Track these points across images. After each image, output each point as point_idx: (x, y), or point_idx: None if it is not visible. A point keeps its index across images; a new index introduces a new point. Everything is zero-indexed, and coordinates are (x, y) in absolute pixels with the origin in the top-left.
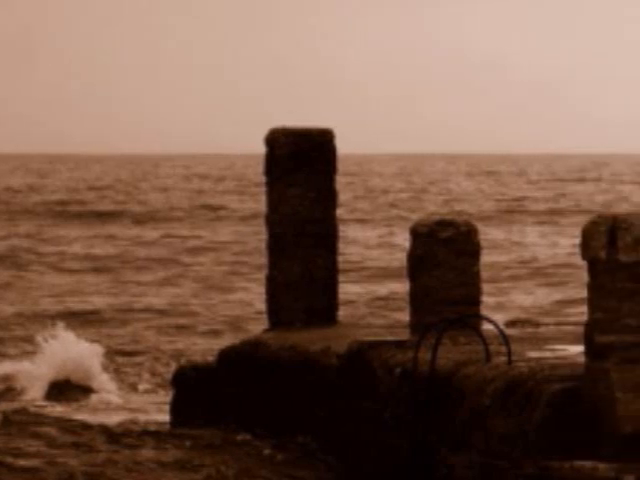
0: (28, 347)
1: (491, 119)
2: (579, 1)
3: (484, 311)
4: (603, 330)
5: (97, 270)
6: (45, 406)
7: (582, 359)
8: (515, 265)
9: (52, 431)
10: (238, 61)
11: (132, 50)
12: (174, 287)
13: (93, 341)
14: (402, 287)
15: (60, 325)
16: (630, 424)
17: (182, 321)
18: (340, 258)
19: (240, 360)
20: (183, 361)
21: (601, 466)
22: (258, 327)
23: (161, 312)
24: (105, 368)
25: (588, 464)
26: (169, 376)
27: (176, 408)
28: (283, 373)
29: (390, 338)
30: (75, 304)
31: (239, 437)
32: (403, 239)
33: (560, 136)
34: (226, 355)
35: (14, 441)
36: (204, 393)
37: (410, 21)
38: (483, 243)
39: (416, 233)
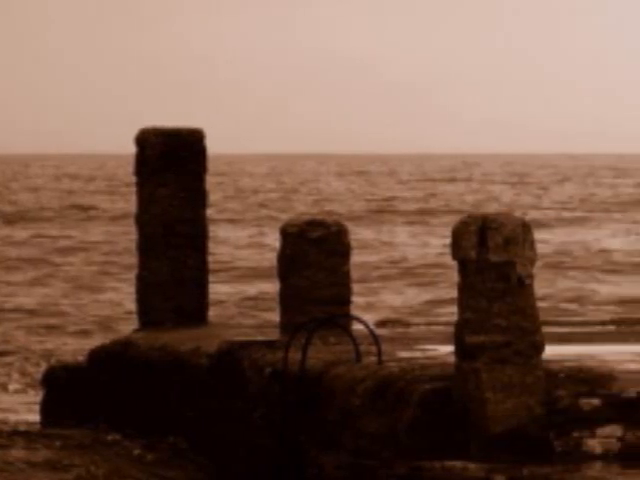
0: None
1: (362, 119)
2: (450, 2)
3: (354, 311)
4: (473, 330)
5: None
6: None
7: (452, 359)
8: (385, 265)
9: None
10: (109, 60)
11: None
12: (44, 287)
13: None
14: (272, 287)
15: None
16: (500, 424)
17: (52, 321)
18: (210, 258)
19: (110, 360)
20: (53, 361)
21: (471, 466)
22: (128, 327)
23: (31, 312)
24: None
25: (458, 464)
26: (39, 376)
27: (46, 408)
28: (153, 373)
29: (260, 338)
30: None
31: (109, 437)
32: (273, 239)
33: (431, 136)
34: (96, 355)
35: None
36: (74, 393)
37: (282, 21)
38: (353, 243)
39: (286, 233)
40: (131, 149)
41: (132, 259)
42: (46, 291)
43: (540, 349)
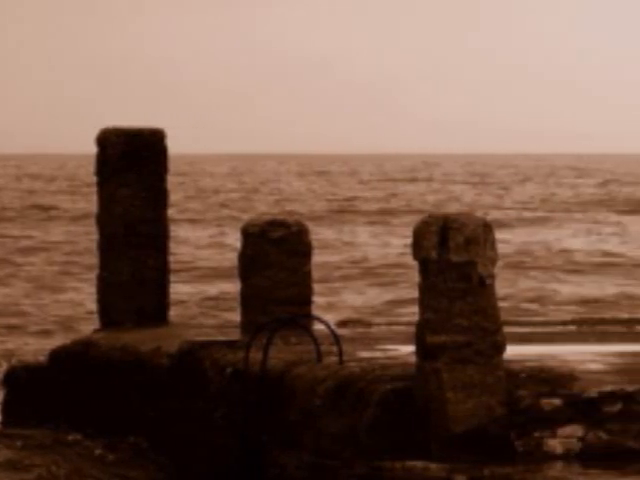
0: None
1: (323, 119)
2: (412, 3)
3: (315, 311)
4: (434, 330)
5: None
6: None
7: (413, 359)
8: (346, 265)
9: None
10: (71, 61)
11: None
12: (5, 287)
13: None
14: (233, 287)
15: None
16: (461, 424)
17: (13, 321)
18: (171, 258)
19: (71, 360)
20: (14, 361)
21: (432, 466)
22: (89, 327)
23: None
24: None
25: (419, 464)
26: (0, 376)
27: (7, 408)
28: (114, 373)
29: (221, 338)
30: None
31: (70, 437)
32: (234, 239)
33: (392, 137)
34: (57, 355)
35: None
36: (35, 393)
37: (244, 21)
38: (314, 243)
39: (247, 233)
40: (92, 149)
41: (93, 259)
42: (7, 291)
43: (501, 349)
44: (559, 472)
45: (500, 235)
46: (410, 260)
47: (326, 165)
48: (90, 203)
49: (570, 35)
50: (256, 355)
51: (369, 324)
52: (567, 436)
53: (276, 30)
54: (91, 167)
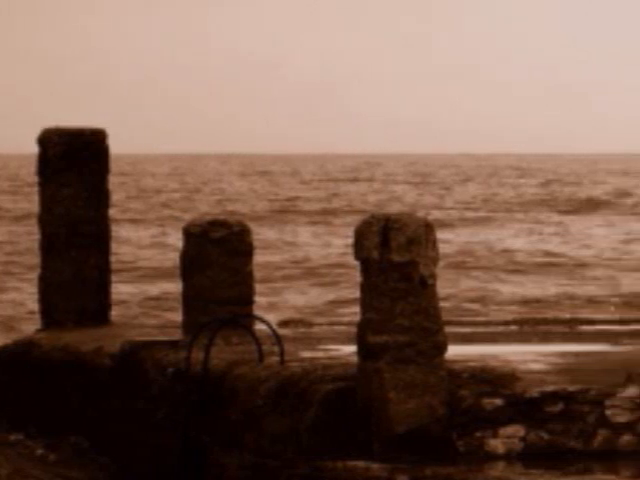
0: None
1: (265, 119)
2: (354, 4)
3: (257, 311)
4: (376, 330)
5: None
6: None
7: (355, 359)
8: (288, 265)
9: None
10: (10, 61)
11: None
12: None
13: None
14: (175, 287)
15: None
16: (403, 424)
17: None
18: (113, 258)
19: (13, 360)
20: None
21: (374, 466)
22: (31, 327)
23: None
24: None
25: (361, 464)
26: None
27: None
28: (55, 373)
29: (163, 338)
30: None
31: (12, 437)
32: (176, 239)
33: (334, 137)
34: None
35: None
36: None
37: (187, 21)
38: (256, 243)
39: (189, 233)
40: (34, 149)
41: (35, 259)
42: None
43: (443, 349)
44: (501, 472)
45: (442, 235)
46: (352, 260)
47: (268, 165)
48: (32, 203)
49: (513, 36)
50: (198, 355)
51: (311, 324)
52: (509, 436)
53: (222, 30)
54: (33, 167)
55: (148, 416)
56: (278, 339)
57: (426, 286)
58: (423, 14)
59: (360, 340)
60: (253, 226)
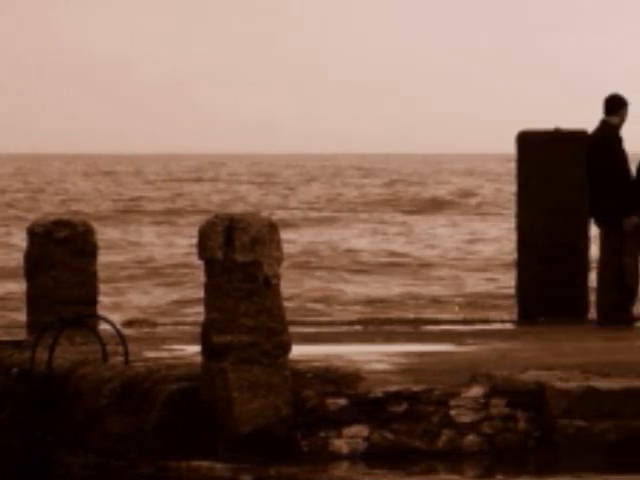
0: None
1: (109, 119)
2: (206, 3)
3: (101, 311)
4: (220, 330)
5: None
6: None
7: (199, 359)
8: (132, 265)
9: None
10: None
11: None
12: None
13: None
14: (19, 287)
15: None
16: (247, 424)
17: None
18: None
19: None
20: None
21: (218, 466)
22: None
23: None
24: None
25: (205, 464)
26: None
27: None
28: None
29: (7, 338)
30: None
31: None
32: (20, 239)
33: (178, 136)
34: None
35: None
36: None
37: (33, 19)
38: (100, 243)
39: (33, 233)
40: None
41: None
42: None
43: (287, 349)
44: (344, 472)
45: (286, 235)
46: (196, 260)
47: (112, 165)
48: None
49: (355, 36)
50: (42, 355)
51: (155, 324)
52: (352, 436)
53: (68, 27)
54: None
55: None
56: (122, 339)
57: (270, 286)
58: (271, 14)
59: (204, 340)
60: (97, 226)
